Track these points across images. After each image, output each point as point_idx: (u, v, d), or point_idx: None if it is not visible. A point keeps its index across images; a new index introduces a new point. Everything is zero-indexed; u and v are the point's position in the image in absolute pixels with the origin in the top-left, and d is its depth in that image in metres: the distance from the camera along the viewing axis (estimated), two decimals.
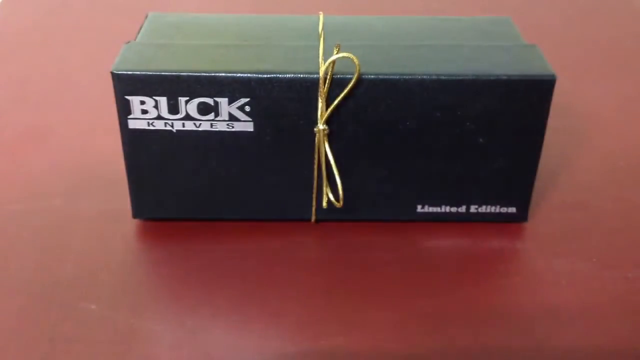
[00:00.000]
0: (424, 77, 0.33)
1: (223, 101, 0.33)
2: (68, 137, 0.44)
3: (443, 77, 0.33)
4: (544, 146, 0.35)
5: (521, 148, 0.34)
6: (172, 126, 0.33)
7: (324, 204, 0.35)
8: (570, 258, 0.35)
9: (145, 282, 0.34)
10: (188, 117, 0.33)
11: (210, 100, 0.33)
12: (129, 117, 0.33)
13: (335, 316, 0.32)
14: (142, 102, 0.33)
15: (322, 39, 0.34)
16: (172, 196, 0.36)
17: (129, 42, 0.35)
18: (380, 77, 0.33)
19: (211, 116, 0.33)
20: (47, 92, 0.49)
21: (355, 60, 0.31)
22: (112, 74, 0.32)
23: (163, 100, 0.33)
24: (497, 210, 0.37)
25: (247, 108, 0.33)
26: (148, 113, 0.33)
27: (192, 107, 0.33)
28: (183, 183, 0.35)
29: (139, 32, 0.37)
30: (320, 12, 0.38)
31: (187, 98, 0.33)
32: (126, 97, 0.33)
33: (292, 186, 0.35)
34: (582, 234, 0.37)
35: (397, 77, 0.33)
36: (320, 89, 0.32)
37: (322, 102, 0.33)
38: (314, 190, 0.35)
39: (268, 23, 0.38)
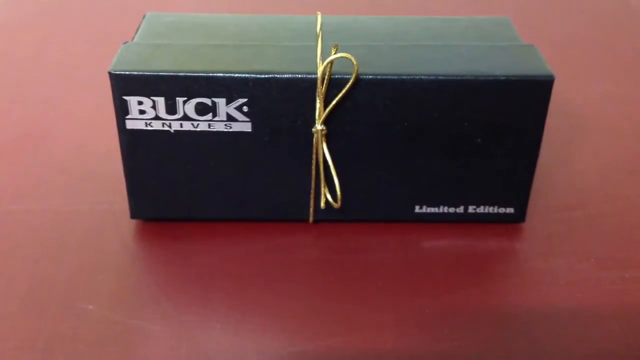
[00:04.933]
0: (422, 77, 0.33)
1: (221, 101, 0.33)
2: (66, 137, 0.44)
3: (441, 77, 0.33)
4: (542, 146, 0.35)
5: (519, 148, 0.34)
6: (169, 126, 0.33)
7: (322, 204, 0.35)
8: (568, 258, 0.35)
9: (144, 282, 0.34)
10: (186, 118, 0.33)
11: (208, 101, 0.33)
12: (126, 117, 0.33)
13: (334, 316, 0.32)
14: (140, 103, 0.33)
15: (320, 39, 0.34)
16: (170, 196, 0.36)
17: (126, 42, 0.35)
18: (379, 77, 0.32)
19: (209, 116, 0.33)
20: (46, 92, 0.49)
21: (353, 60, 0.31)
22: (110, 74, 0.32)
23: (161, 101, 0.33)
24: (495, 211, 0.37)
25: (245, 108, 0.33)
26: (146, 113, 0.33)
27: (189, 108, 0.33)
28: (181, 183, 0.35)
29: (136, 32, 0.37)
30: (318, 12, 0.38)
31: (185, 98, 0.33)
32: (124, 97, 0.33)
33: (290, 187, 0.35)
34: (580, 234, 0.37)
35: (395, 77, 0.33)
36: (318, 90, 0.32)
37: (320, 102, 0.33)
38: (312, 191, 0.35)
39: (266, 23, 0.38)
